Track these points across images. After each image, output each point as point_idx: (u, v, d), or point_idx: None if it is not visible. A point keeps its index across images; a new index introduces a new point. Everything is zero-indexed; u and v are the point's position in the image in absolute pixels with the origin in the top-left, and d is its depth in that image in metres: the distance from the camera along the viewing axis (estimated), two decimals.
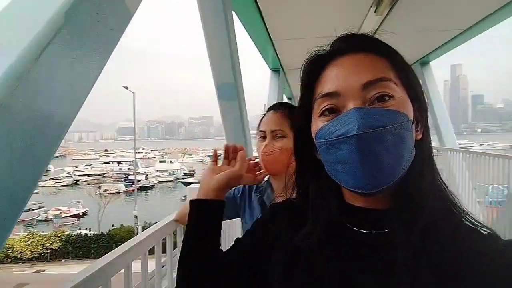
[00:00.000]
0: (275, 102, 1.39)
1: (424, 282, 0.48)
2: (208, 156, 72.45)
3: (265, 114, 1.34)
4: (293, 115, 1.25)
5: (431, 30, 4.91)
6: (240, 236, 0.74)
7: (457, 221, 0.54)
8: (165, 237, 1.61)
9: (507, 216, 3.50)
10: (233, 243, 0.72)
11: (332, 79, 0.56)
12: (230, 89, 3.09)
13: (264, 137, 1.27)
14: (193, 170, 54.26)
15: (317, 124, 0.56)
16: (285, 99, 12.96)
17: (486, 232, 0.53)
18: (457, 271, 0.48)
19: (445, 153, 5.25)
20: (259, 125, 1.33)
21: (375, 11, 3.87)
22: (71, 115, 0.87)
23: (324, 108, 0.56)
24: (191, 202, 0.75)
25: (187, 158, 75.24)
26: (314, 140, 0.57)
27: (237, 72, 3.09)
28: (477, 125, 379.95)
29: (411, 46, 5.94)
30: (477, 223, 0.54)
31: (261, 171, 1.20)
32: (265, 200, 1.30)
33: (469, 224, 0.54)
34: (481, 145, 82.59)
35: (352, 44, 0.58)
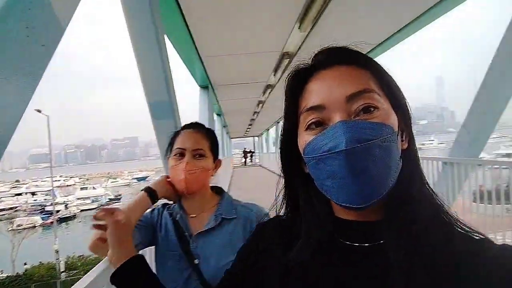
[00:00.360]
0: (191, 122, 1.36)
1: (418, 286, 0.48)
2: (135, 178, 68.87)
3: (178, 132, 1.30)
4: (211, 136, 1.30)
5: (351, 45, 5.29)
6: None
7: (449, 227, 0.53)
8: None
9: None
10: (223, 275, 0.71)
11: (316, 92, 0.55)
12: (164, 107, 2.95)
13: (182, 155, 1.22)
14: (119, 195, 50.88)
15: (304, 138, 0.56)
16: (215, 116, 12.94)
17: (478, 238, 0.53)
18: (451, 275, 0.48)
19: None
20: (172, 142, 1.28)
21: (299, 28, 4.07)
22: None
23: (310, 122, 0.55)
24: (114, 281, 0.81)
25: (112, 182, 70.55)
26: (302, 154, 0.56)
27: (171, 89, 2.98)
28: None
29: None
30: (468, 229, 0.54)
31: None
32: (180, 221, 1.23)
33: (460, 230, 0.54)
34: None
35: (334, 57, 0.57)
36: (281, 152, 0.64)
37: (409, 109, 0.58)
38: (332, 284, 0.53)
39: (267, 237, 0.66)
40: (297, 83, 0.60)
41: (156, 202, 1.21)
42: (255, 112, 12.85)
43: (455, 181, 3.41)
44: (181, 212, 1.24)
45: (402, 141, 0.56)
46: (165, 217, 1.26)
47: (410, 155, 0.56)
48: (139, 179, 67.12)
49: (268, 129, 23.89)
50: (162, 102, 2.88)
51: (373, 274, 0.52)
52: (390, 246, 0.51)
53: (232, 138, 30.08)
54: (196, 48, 4.65)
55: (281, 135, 0.63)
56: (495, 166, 3.06)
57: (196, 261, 1.15)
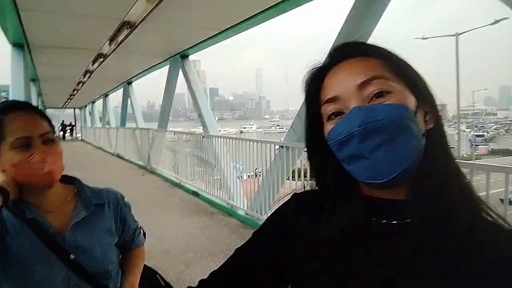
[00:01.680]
0: (13, 101, 1.08)
1: (442, 266, 0.51)
2: None
3: (1, 118, 0.99)
4: (45, 115, 1.08)
5: (195, 26, 5.32)
6: None
7: (475, 213, 0.56)
8: None
9: (267, 180, 4.42)
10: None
11: (331, 85, 0.60)
12: None
13: (28, 145, 0.98)
14: None
15: (327, 127, 0.61)
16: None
17: (505, 227, 0.56)
18: (475, 258, 0.50)
19: (211, 139, 5.85)
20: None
21: None
22: None
23: (330, 113, 0.60)
24: None
25: None
26: (328, 143, 0.61)
27: None
28: (215, 113, 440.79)
29: (175, 40, 6.22)
30: (496, 216, 0.56)
31: None
32: (37, 219, 1.02)
33: (487, 216, 0.56)
34: (219, 130, 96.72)
35: (346, 52, 0.62)
36: (307, 145, 0.69)
37: (431, 91, 0.61)
38: (358, 261, 0.56)
39: (297, 207, 0.69)
40: (316, 80, 0.64)
41: (7, 204, 0.95)
42: (80, 82, 11.37)
43: (289, 161, 3.98)
44: (32, 209, 1.03)
45: (425, 121, 0.59)
46: (6, 220, 1.00)
47: (436, 135, 0.59)
48: None
49: (94, 102, 21.52)
50: None
51: (399, 252, 0.54)
52: (415, 224, 0.54)
53: (47, 108, 25.87)
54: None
55: (306, 130, 0.68)
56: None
57: (72, 256, 1.03)
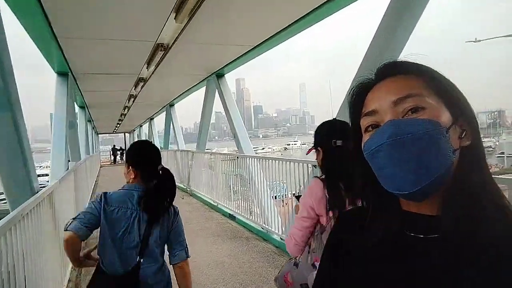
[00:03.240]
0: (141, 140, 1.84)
1: (469, 281, 0.52)
2: None
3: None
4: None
5: (227, 44, 5.24)
6: None
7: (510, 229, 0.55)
8: None
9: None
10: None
11: (371, 100, 0.65)
12: None
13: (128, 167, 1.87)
14: None
15: (364, 139, 0.64)
16: (76, 108, 11.43)
17: None
18: (503, 278, 0.51)
19: (245, 159, 5.73)
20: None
21: (175, 18, 3.79)
22: None
23: (367, 125, 0.64)
24: None
25: None
26: (364, 155, 0.63)
27: (7, 74, 2.36)
28: (259, 131, 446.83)
29: (209, 59, 6.21)
30: None
31: None
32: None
33: None
34: (263, 148, 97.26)
35: (387, 70, 0.66)
36: (354, 156, 0.71)
37: (471, 109, 0.62)
38: (390, 273, 0.60)
39: (344, 225, 0.75)
40: (359, 95, 0.69)
41: None
42: (126, 107, 11.83)
43: None
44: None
45: (460, 138, 0.60)
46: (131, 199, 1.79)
47: (471, 152, 0.60)
48: None
49: (141, 125, 22.51)
50: None
51: (426, 265, 0.57)
52: (444, 239, 0.56)
53: (99, 133, 27.44)
54: (50, 26, 3.90)
55: (352, 141, 0.72)
56: None
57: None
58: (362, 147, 0.64)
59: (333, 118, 1.80)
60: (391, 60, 0.67)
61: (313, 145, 1.71)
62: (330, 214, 1.54)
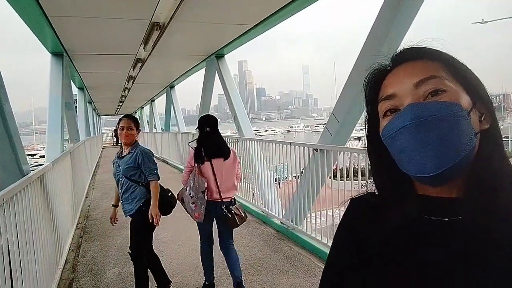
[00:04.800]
0: (126, 114, 3.04)
1: (492, 262, 0.52)
2: None
3: (120, 119, 3.01)
4: (134, 119, 3.03)
5: (226, 23, 5.06)
6: None
7: None
8: None
9: (302, 186, 4.01)
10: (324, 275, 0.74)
11: (390, 84, 0.63)
12: None
13: (122, 129, 2.94)
14: None
15: (382, 124, 0.63)
16: (75, 89, 11.28)
17: None
18: None
19: (245, 142, 5.65)
20: (119, 123, 3.01)
21: None
22: None
23: (385, 109, 0.63)
24: None
25: None
26: (382, 139, 0.63)
27: None
28: (262, 113, 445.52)
29: (207, 39, 6.02)
30: None
31: None
32: (120, 154, 3.05)
33: None
34: (266, 130, 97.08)
35: (406, 55, 0.64)
36: (368, 141, 0.71)
37: (489, 95, 0.62)
38: (412, 258, 0.58)
39: (356, 212, 0.72)
40: (375, 81, 0.67)
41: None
42: (125, 89, 11.67)
43: (324, 165, 3.57)
44: (121, 150, 3.00)
45: (480, 121, 0.60)
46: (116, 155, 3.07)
47: (491, 135, 0.60)
48: None
49: (143, 107, 22.36)
50: None
51: (450, 248, 0.56)
52: (467, 221, 0.55)
53: (101, 115, 27.32)
54: (40, 5, 3.74)
55: (366, 126, 0.71)
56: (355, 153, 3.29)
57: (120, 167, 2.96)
58: (380, 132, 0.63)
59: (207, 114, 3.53)
60: (406, 46, 0.66)
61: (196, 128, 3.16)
62: (195, 164, 2.97)
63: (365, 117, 0.71)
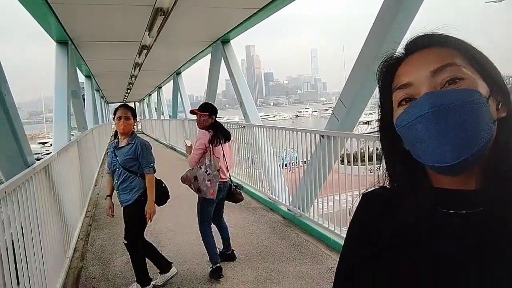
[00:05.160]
0: (122, 103, 2.95)
1: (510, 261, 0.51)
2: None
3: (117, 109, 2.96)
4: (131, 109, 2.98)
5: (230, 7, 4.94)
6: None
7: None
8: None
9: (309, 173, 3.96)
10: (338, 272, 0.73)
11: (405, 72, 0.61)
12: None
13: (119, 119, 2.88)
14: None
15: (397, 113, 0.61)
16: (82, 78, 11.29)
17: None
18: None
19: (252, 128, 5.60)
20: (115, 113, 2.99)
21: None
22: None
23: (400, 99, 0.61)
24: None
25: None
26: (396, 129, 0.61)
27: None
28: (270, 99, 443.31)
29: (212, 24, 5.91)
30: None
31: None
32: (117, 144, 2.97)
33: None
34: (274, 116, 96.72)
35: (420, 42, 0.62)
36: (380, 132, 0.69)
37: (505, 82, 0.60)
38: (423, 251, 0.57)
39: (368, 206, 0.71)
40: (389, 69, 0.65)
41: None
42: (132, 76, 11.64)
43: (331, 152, 3.51)
44: (117, 140, 2.96)
45: (497, 109, 0.58)
46: (113, 142, 3.01)
47: (508, 123, 0.58)
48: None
49: (150, 94, 22.36)
50: None
51: (469, 241, 0.55)
52: (484, 213, 0.55)
53: (109, 102, 27.44)
54: None
55: (379, 117, 0.69)
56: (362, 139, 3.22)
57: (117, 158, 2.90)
58: (395, 121, 0.62)
59: (211, 103, 3.47)
60: (420, 33, 0.64)
61: (208, 114, 3.21)
62: (210, 146, 3.13)
63: (378, 105, 0.69)
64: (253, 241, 3.82)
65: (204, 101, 3.68)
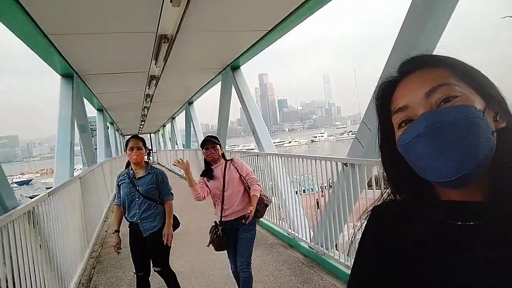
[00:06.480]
0: (134, 135, 3.17)
1: None
2: (15, 183, 58.77)
3: (129, 140, 3.05)
4: (142, 139, 3.07)
5: (236, 30, 4.70)
6: None
7: None
8: None
9: (331, 206, 3.48)
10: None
11: (401, 95, 0.63)
12: None
13: (132, 149, 2.99)
14: None
15: (397, 135, 0.63)
16: (94, 111, 11.26)
17: None
18: None
19: (266, 157, 5.21)
20: (126, 144, 3.05)
21: (171, 1, 3.29)
22: None
23: (400, 121, 0.62)
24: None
25: None
26: (398, 149, 0.62)
27: None
28: (285, 125, 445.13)
29: (220, 49, 5.68)
30: None
31: None
32: (131, 174, 3.02)
33: None
34: (289, 142, 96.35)
35: (414, 64, 0.64)
36: (381, 152, 0.70)
37: (501, 93, 0.61)
38: (435, 264, 0.57)
39: (380, 220, 0.70)
40: (386, 93, 0.67)
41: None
42: (144, 107, 11.56)
43: (357, 182, 3.07)
44: (132, 171, 3.01)
45: (496, 121, 0.59)
46: (126, 173, 3.04)
47: (509, 132, 0.59)
48: (20, 183, 57.21)
49: (165, 125, 22.43)
50: None
51: (477, 251, 0.54)
52: (495, 224, 0.54)
53: (125, 135, 27.68)
54: (36, 24, 3.51)
55: (379, 139, 0.70)
56: None
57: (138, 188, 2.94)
58: (397, 143, 0.63)
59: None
60: (412, 56, 0.66)
61: (219, 145, 3.16)
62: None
63: (378, 129, 0.70)
64: (270, 285, 3.34)
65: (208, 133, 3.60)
